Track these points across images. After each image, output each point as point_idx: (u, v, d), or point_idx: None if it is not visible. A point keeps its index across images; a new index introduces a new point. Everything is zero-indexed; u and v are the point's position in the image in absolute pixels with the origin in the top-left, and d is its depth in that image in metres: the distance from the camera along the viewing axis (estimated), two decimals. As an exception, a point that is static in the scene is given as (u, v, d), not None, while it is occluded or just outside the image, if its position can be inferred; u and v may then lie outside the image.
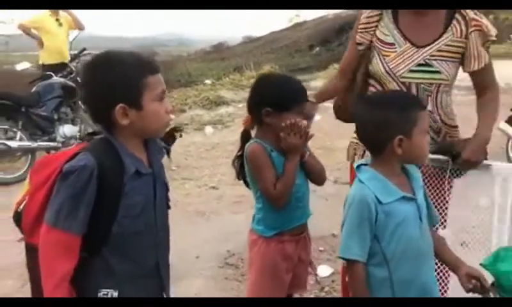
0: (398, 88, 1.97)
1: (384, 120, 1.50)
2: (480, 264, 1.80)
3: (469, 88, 8.48)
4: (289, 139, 1.81)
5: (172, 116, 1.50)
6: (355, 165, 1.61)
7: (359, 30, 2.07)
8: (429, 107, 1.95)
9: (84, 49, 6.09)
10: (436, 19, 1.99)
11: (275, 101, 1.83)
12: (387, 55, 1.99)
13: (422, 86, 1.97)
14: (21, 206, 1.49)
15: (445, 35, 1.97)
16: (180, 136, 5.47)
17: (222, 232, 3.83)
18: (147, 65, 1.44)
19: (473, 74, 2.01)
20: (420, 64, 1.96)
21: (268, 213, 1.89)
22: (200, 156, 6.09)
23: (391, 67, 1.98)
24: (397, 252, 1.50)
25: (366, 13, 2.06)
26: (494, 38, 1.99)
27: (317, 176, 1.94)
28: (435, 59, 1.96)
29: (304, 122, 1.81)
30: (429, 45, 1.96)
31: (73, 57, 6.02)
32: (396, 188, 1.52)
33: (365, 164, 1.59)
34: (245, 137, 1.94)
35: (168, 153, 5.46)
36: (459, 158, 1.98)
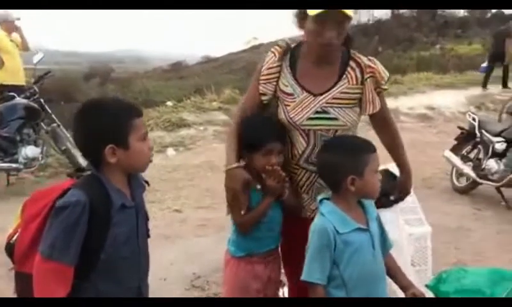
0: (299, 135, 2.08)
1: (338, 162, 1.75)
2: (426, 285, 2.07)
3: (419, 116, 9.04)
4: (268, 182, 2.03)
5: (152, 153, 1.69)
6: (318, 199, 1.83)
7: (261, 81, 2.12)
8: None
9: (49, 72, 6.14)
10: (331, 69, 2.10)
11: (245, 142, 2.06)
12: (288, 105, 2.08)
13: (320, 132, 2.06)
14: (13, 238, 1.63)
15: (339, 83, 2.08)
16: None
17: (187, 255, 3.97)
18: (133, 109, 1.64)
19: (371, 116, 2.18)
20: (317, 112, 2.05)
21: (239, 235, 2.09)
22: (161, 178, 6.18)
23: (291, 116, 2.06)
24: (353, 276, 1.73)
25: (266, 64, 2.12)
26: (385, 87, 2.13)
27: (291, 212, 2.14)
28: (331, 106, 2.06)
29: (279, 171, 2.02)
30: (325, 93, 2.06)
31: (38, 79, 6.04)
32: (352, 220, 1.76)
33: (327, 198, 1.82)
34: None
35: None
36: (399, 195, 2.31)
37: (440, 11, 37.91)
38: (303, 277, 1.74)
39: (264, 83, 2.13)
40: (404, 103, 11.14)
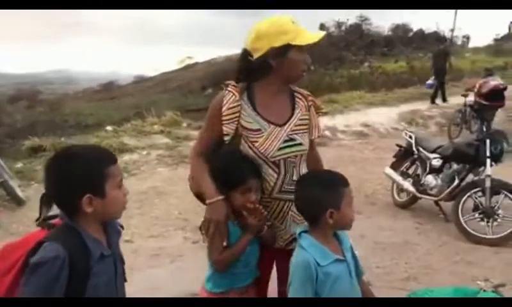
0: (269, 168, 2.11)
1: (318, 196, 1.80)
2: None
3: (355, 133, 9.41)
4: (249, 220, 2.05)
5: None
6: (297, 232, 1.88)
7: (224, 121, 2.09)
8: (294, 177, 2.14)
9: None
10: (284, 99, 2.19)
11: (223, 179, 2.07)
12: (255, 141, 2.10)
13: (289, 159, 2.13)
14: None
15: (295, 111, 2.18)
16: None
17: (143, 288, 3.86)
18: (108, 156, 1.62)
19: (311, 141, 2.28)
20: (285, 140, 2.12)
21: (216, 272, 2.09)
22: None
23: (261, 151, 2.08)
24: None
25: (227, 104, 2.10)
26: (324, 110, 2.31)
27: (265, 244, 2.16)
28: (296, 133, 2.15)
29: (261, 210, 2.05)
30: (287, 121, 2.15)
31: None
32: (330, 252, 1.82)
33: (305, 231, 1.87)
34: None
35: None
36: None
37: (366, 31, 39.80)
38: None
39: (227, 123, 2.11)
40: (341, 122, 11.58)
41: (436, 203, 5.62)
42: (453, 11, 34.01)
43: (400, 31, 42.67)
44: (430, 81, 14.83)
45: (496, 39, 39.50)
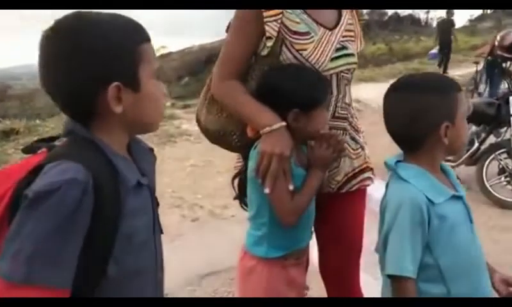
0: None
1: (426, 106, 1.26)
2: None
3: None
4: (321, 151, 1.51)
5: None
6: (391, 161, 1.34)
7: (267, 19, 1.54)
8: (347, 100, 1.69)
9: None
10: None
11: (306, 97, 1.49)
12: (304, 49, 1.56)
13: (342, 74, 1.65)
14: None
15: (342, 12, 1.70)
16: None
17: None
18: (141, 29, 1.03)
19: None
20: (337, 49, 1.63)
21: (275, 230, 1.52)
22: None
23: (312, 61, 1.57)
24: (453, 264, 1.25)
25: None
26: (364, 18, 1.85)
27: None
28: (347, 40, 1.67)
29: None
30: (337, 25, 1.66)
31: None
32: (444, 186, 1.28)
33: (399, 161, 1.33)
34: (248, 150, 1.56)
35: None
36: None
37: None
38: (389, 271, 1.23)
39: (271, 20, 1.54)
40: (331, 98, 11.12)
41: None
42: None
43: (376, 14, 42.50)
44: (434, 51, 14.39)
45: (470, 20, 39.74)
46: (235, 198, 1.65)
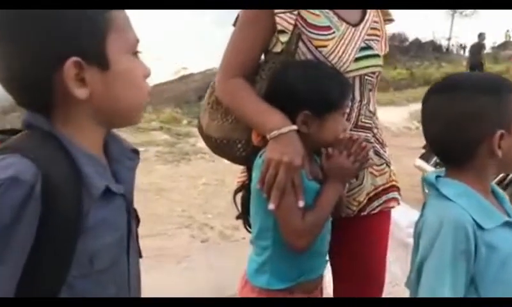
0: None
1: (478, 110, 1.02)
2: None
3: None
4: (340, 159, 1.27)
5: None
6: (430, 176, 1.09)
7: (279, 10, 1.34)
8: (371, 107, 1.47)
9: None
10: None
11: (318, 98, 1.26)
12: (324, 46, 1.36)
13: (366, 77, 1.43)
14: None
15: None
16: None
17: (148, 293, 3.08)
18: None
19: None
20: (361, 49, 1.42)
21: (280, 256, 1.28)
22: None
23: (334, 61, 1.36)
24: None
25: None
26: (392, 18, 1.57)
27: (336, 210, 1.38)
28: (372, 39, 1.45)
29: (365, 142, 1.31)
30: (361, 21, 1.45)
31: None
32: (495, 209, 1.04)
33: (440, 176, 1.09)
34: (253, 159, 1.34)
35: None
36: None
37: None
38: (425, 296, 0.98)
39: (283, 12, 1.33)
40: (351, 121, 10.92)
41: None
42: (449, 20, 33.84)
43: (397, 40, 42.42)
44: None
45: (493, 47, 39.40)
46: (238, 217, 1.42)
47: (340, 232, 1.42)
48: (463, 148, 1.05)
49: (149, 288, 2.99)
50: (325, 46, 1.35)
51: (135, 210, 0.92)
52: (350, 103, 1.39)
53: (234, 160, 1.51)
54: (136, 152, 0.94)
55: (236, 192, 1.43)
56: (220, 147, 1.48)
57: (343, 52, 1.36)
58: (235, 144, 1.44)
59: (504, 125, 1.02)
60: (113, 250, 0.82)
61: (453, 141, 1.06)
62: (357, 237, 1.47)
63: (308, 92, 1.26)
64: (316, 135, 1.28)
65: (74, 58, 0.75)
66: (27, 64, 0.75)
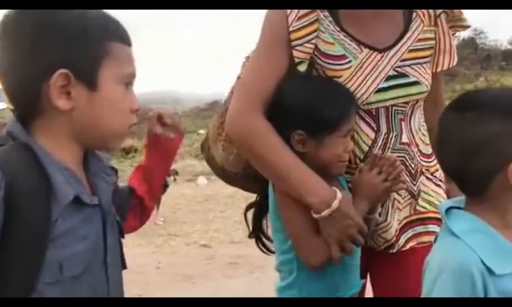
0: (362, 121, 1.28)
1: (492, 134, 0.89)
2: None
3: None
4: (370, 176, 1.20)
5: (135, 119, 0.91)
6: (441, 206, 0.98)
7: (295, 42, 1.24)
8: (404, 138, 1.31)
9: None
10: (393, 13, 1.33)
11: (313, 118, 1.19)
12: (338, 76, 1.25)
13: (396, 108, 1.29)
14: None
15: (413, 25, 1.31)
16: (174, 179, 4.87)
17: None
18: (115, 28, 0.88)
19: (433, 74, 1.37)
20: (390, 77, 1.27)
21: (303, 273, 1.22)
22: (190, 209, 5.50)
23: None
24: None
25: (294, 13, 1.24)
26: (467, 24, 1.36)
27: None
28: (409, 65, 1.29)
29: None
30: (395, 45, 1.29)
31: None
32: (514, 249, 0.89)
33: (457, 207, 0.96)
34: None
35: (158, 203, 4.81)
36: None
37: (480, 45, 36.76)
38: None
39: (300, 43, 1.24)
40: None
41: None
42: None
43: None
44: None
45: None
46: (250, 236, 1.38)
47: (376, 268, 1.35)
48: (477, 178, 0.91)
49: (218, 295, 3.07)
50: (339, 76, 1.25)
51: (118, 222, 0.94)
52: (374, 134, 1.27)
53: (250, 190, 1.45)
54: (114, 170, 0.97)
55: (247, 209, 1.39)
56: (238, 180, 1.42)
57: (361, 83, 1.24)
58: (256, 177, 1.34)
59: None
60: (85, 258, 0.83)
61: (467, 169, 0.92)
62: (386, 278, 1.35)
63: (303, 113, 1.18)
64: (314, 155, 1.19)
65: (63, 70, 0.79)
66: (18, 68, 0.81)
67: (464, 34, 35.96)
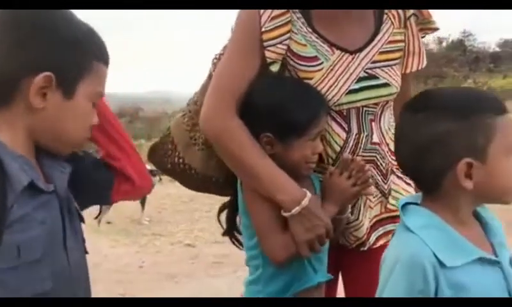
0: (333, 122, 1.30)
1: (441, 133, 0.93)
2: None
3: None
4: (340, 180, 1.23)
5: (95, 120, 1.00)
6: (399, 203, 1.02)
7: (268, 42, 1.26)
8: (375, 138, 1.34)
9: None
10: (364, 14, 1.35)
11: (280, 122, 1.22)
12: (310, 78, 1.27)
13: (366, 109, 1.32)
14: None
15: (383, 27, 1.34)
16: (160, 179, 4.88)
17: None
18: (102, 48, 0.97)
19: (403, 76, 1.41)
20: (361, 79, 1.30)
21: (269, 269, 1.25)
22: (175, 209, 5.52)
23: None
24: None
25: (267, 12, 1.26)
26: (435, 26, 1.38)
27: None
28: (379, 67, 1.32)
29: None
30: (365, 46, 1.31)
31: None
32: (469, 243, 0.93)
33: (414, 203, 1.00)
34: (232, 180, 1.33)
35: (143, 201, 4.86)
36: None
37: (469, 47, 37.08)
38: None
39: (273, 44, 1.26)
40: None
41: None
42: None
43: (509, 46, 39.39)
44: None
45: None
46: (224, 234, 1.42)
47: (342, 260, 1.38)
48: (430, 176, 0.95)
49: (201, 294, 3.07)
50: (310, 78, 1.27)
51: (77, 209, 0.99)
52: (346, 134, 1.30)
53: (212, 192, 1.48)
54: (68, 162, 1.00)
55: (220, 210, 1.42)
56: (204, 185, 1.45)
57: (332, 85, 1.27)
58: (220, 180, 1.41)
59: (474, 153, 0.91)
60: (42, 242, 0.86)
61: (420, 167, 0.97)
62: (356, 275, 1.39)
63: (272, 116, 1.21)
64: (282, 156, 1.23)
65: (49, 73, 0.86)
66: (3, 58, 0.87)
67: (453, 36, 36.14)
